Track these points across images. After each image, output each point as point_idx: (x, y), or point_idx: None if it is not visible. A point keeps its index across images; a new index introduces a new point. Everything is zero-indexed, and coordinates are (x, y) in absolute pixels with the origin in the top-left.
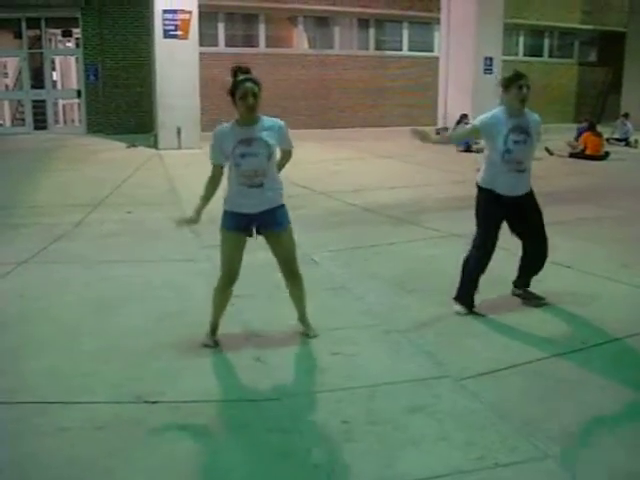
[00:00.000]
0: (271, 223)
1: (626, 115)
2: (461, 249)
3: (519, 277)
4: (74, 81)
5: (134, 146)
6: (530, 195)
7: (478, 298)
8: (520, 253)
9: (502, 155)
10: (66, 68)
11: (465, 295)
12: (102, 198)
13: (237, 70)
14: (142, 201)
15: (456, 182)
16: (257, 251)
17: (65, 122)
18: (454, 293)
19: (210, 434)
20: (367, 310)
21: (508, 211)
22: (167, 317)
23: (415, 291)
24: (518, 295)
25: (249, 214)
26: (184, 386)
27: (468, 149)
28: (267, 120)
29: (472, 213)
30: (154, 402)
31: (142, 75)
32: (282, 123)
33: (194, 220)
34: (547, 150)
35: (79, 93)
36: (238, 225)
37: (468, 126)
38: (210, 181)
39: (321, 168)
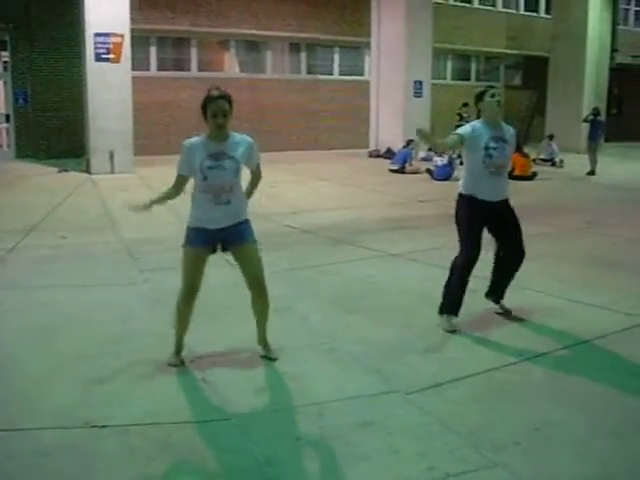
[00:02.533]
0: (237, 237)
1: (551, 136)
2: (398, 268)
3: (492, 289)
4: (2, 105)
5: (66, 171)
6: (507, 202)
7: (418, 315)
8: (492, 266)
9: (483, 160)
10: None
11: (452, 303)
12: (35, 223)
13: (211, 89)
14: (76, 226)
15: (391, 204)
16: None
17: None
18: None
19: (161, 457)
20: (312, 329)
21: (489, 218)
22: (110, 341)
23: (357, 310)
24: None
25: (214, 229)
26: (133, 410)
27: (402, 169)
28: (237, 136)
29: (407, 232)
30: (102, 426)
31: (73, 98)
32: (251, 140)
33: (147, 207)
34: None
35: (7, 117)
36: (202, 241)
37: (453, 136)
38: (172, 188)
39: (257, 191)
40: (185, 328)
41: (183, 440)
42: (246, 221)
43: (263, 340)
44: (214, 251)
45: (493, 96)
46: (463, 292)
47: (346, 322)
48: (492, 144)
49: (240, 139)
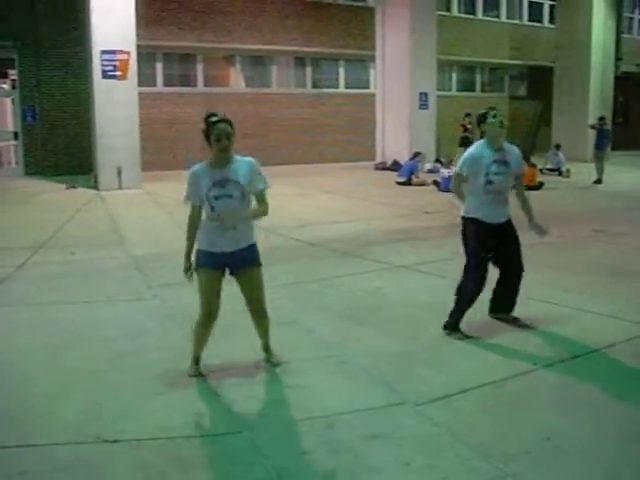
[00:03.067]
0: (244, 261)
1: (557, 146)
2: (406, 280)
3: (495, 302)
4: (10, 123)
5: (74, 187)
6: (510, 222)
7: (426, 326)
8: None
9: (484, 186)
10: (0, 110)
11: (458, 318)
12: (44, 240)
13: (210, 115)
14: (85, 242)
15: (398, 215)
16: None
17: (1, 165)
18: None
19: (172, 471)
20: (319, 342)
21: (495, 238)
22: (119, 357)
23: (365, 322)
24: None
25: (223, 253)
26: (143, 424)
27: (409, 182)
28: (240, 160)
29: (414, 244)
30: (114, 441)
31: (81, 115)
32: (253, 160)
33: (189, 266)
34: None
35: (16, 135)
36: (212, 263)
37: (455, 181)
38: (190, 221)
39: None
40: (202, 346)
41: (194, 454)
42: (254, 245)
43: (266, 347)
44: (223, 274)
45: (495, 117)
46: (467, 309)
47: (354, 334)
48: (493, 169)
49: (242, 162)
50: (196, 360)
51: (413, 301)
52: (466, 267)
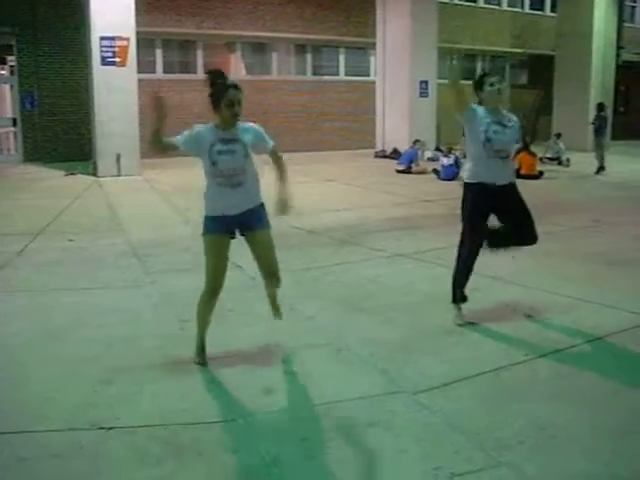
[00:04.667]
0: (254, 222)
1: (558, 135)
2: (405, 268)
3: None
4: (9, 109)
5: (73, 174)
6: (513, 185)
7: (425, 315)
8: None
9: (483, 144)
10: None
11: (459, 290)
12: (43, 227)
13: (214, 74)
14: (84, 229)
15: (397, 204)
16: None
17: (0, 151)
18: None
19: (169, 458)
20: (318, 329)
21: (494, 203)
22: (117, 343)
23: (364, 310)
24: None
25: (231, 215)
26: (139, 411)
27: (408, 170)
28: (243, 124)
29: (414, 232)
30: (110, 428)
31: (80, 102)
32: (255, 125)
33: (163, 107)
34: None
35: (14, 121)
36: (221, 228)
37: (467, 103)
38: (166, 141)
39: (263, 192)
40: (206, 327)
41: (190, 441)
42: (261, 205)
43: (274, 306)
44: (233, 237)
45: (492, 84)
46: (467, 280)
47: (352, 322)
48: (492, 128)
49: (247, 126)
50: (201, 346)
51: (412, 289)
52: (461, 237)
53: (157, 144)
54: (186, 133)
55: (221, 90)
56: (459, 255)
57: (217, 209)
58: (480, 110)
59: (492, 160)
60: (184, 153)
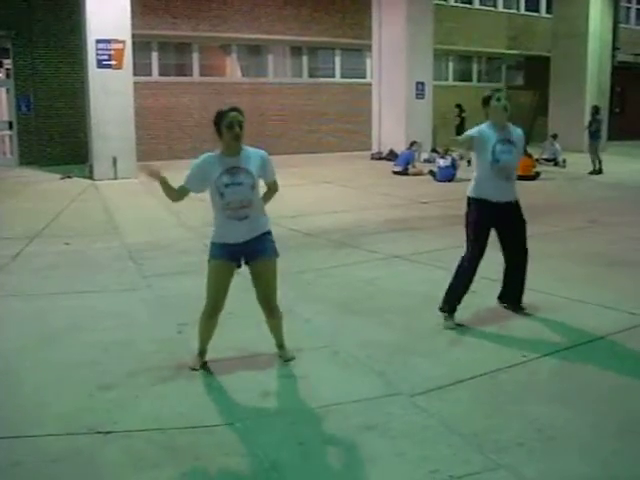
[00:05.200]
0: (259, 251)
1: (554, 136)
2: (401, 270)
3: (504, 289)
4: (4, 112)
5: (69, 177)
6: (517, 204)
7: (422, 317)
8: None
9: (491, 165)
10: None
11: (453, 300)
12: (39, 230)
13: (222, 110)
14: (80, 232)
15: (394, 205)
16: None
17: None
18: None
19: (166, 462)
20: (315, 332)
21: (497, 220)
22: (113, 347)
23: (360, 312)
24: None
25: (237, 244)
26: (136, 415)
27: (405, 171)
28: (250, 151)
29: (410, 234)
30: (107, 432)
31: (76, 105)
32: (265, 153)
33: (158, 173)
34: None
35: (10, 124)
36: (227, 255)
37: (465, 135)
38: (177, 194)
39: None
40: (208, 339)
41: (188, 445)
42: (269, 233)
43: (279, 344)
44: (239, 266)
45: (499, 100)
46: (465, 292)
47: (349, 324)
48: (499, 147)
49: (254, 153)
50: (201, 353)
51: (408, 291)
52: (465, 252)
53: (176, 199)
54: (190, 175)
55: (222, 113)
56: (459, 267)
57: (223, 237)
58: (483, 131)
59: (499, 181)
60: (180, 155)
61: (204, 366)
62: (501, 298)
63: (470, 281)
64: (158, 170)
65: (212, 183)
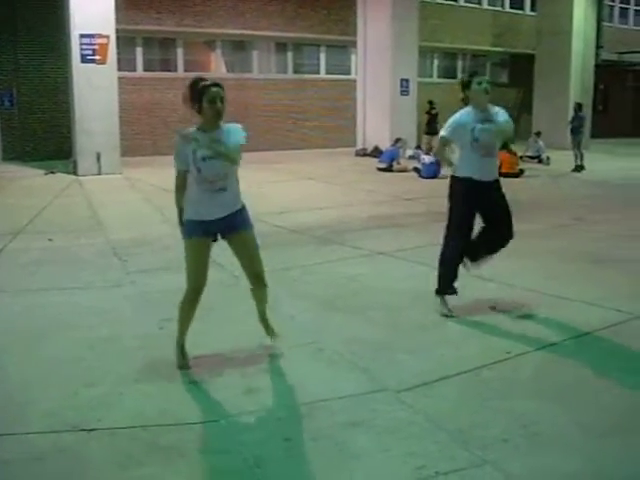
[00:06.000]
0: (236, 225)
1: (538, 133)
2: (386, 266)
3: (472, 248)
4: None
5: (52, 172)
6: (498, 182)
7: (406, 313)
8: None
9: (470, 144)
10: None
11: (448, 284)
12: (22, 226)
13: (198, 79)
14: (64, 228)
15: (378, 202)
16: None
17: None
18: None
19: (150, 459)
20: (299, 329)
21: (482, 198)
22: (98, 344)
23: (345, 309)
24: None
25: (215, 219)
26: (120, 412)
27: (389, 168)
28: (229, 126)
29: (395, 231)
30: (91, 430)
31: (59, 100)
32: (240, 126)
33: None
34: None
35: None
36: (202, 231)
37: (440, 143)
38: (178, 191)
39: (244, 191)
40: (187, 328)
41: (172, 442)
42: (243, 208)
43: (263, 319)
44: (215, 240)
45: (480, 83)
46: (456, 274)
47: (334, 321)
48: (478, 126)
49: (231, 126)
50: (181, 348)
51: (393, 288)
52: (446, 233)
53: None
54: (177, 157)
55: (203, 88)
56: (442, 254)
57: (199, 214)
58: (465, 115)
59: (481, 158)
60: (164, 151)
61: (188, 363)
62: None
63: (458, 265)
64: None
65: (189, 157)
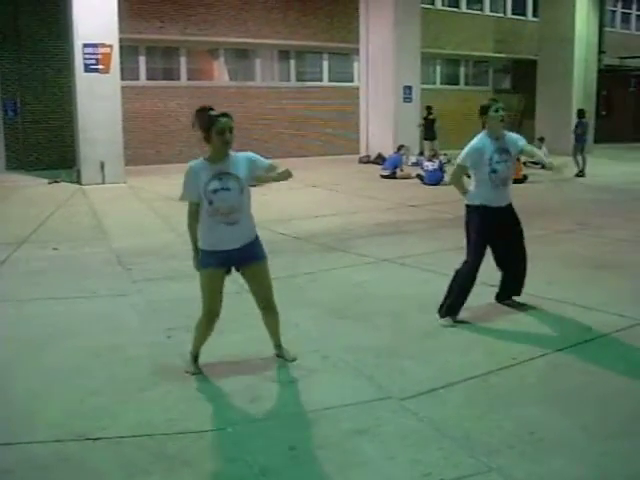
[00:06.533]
0: (250, 257)
1: (541, 139)
2: (390, 273)
3: (501, 292)
4: None
5: (56, 182)
6: (511, 206)
7: (411, 320)
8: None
9: (489, 175)
10: None
11: (456, 305)
12: (26, 236)
13: (206, 109)
14: (68, 237)
15: (382, 209)
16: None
17: None
18: (439, 309)
19: (155, 468)
20: (304, 336)
21: (498, 223)
22: (103, 352)
23: (350, 316)
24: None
25: (228, 250)
26: (126, 421)
27: (393, 175)
28: (238, 155)
29: (399, 238)
30: (96, 439)
31: (63, 109)
32: (251, 154)
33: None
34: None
35: None
36: (216, 262)
37: (456, 170)
38: (191, 219)
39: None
40: (202, 344)
41: (177, 451)
42: (257, 238)
43: (277, 346)
44: (229, 272)
45: (497, 111)
46: (466, 297)
47: (339, 328)
48: (496, 158)
49: (240, 156)
50: (195, 358)
51: (398, 295)
52: (465, 260)
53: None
54: (185, 184)
55: (212, 119)
56: (458, 273)
57: (213, 244)
58: (482, 140)
59: (498, 188)
60: (168, 160)
61: (199, 370)
62: (499, 298)
63: (470, 289)
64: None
65: (201, 189)
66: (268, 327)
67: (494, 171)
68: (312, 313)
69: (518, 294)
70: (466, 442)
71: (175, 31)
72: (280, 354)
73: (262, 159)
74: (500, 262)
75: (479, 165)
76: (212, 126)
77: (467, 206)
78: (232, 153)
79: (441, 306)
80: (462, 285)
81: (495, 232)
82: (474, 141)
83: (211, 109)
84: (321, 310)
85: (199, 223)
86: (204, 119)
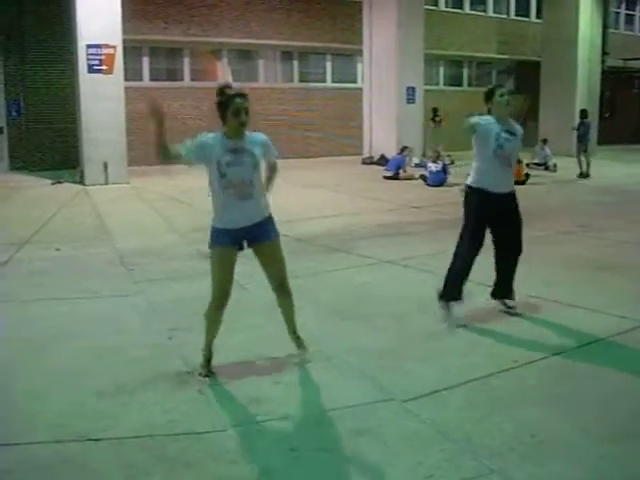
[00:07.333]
0: (263, 235)
1: (545, 141)
2: (393, 275)
3: (497, 286)
4: None
5: (60, 182)
6: (514, 195)
7: (413, 322)
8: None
9: (494, 151)
10: None
11: (454, 289)
12: (29, 236)
13: (224, 87)
14: (71, 238)
15: (385, 210)
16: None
17: None
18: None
19: (156, 469)
20: (307, 337)
21: (497, 210)
22: (105, 353)
23: (352, 317)
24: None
25: (242, 228)
26: (127, 422)
27: (396, 176)
28: (252, 135)
29: (401, 239)
30: (97, 440)
31: (66, 110)
32: (265, 136)
33: (159, 113)
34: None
35: (0, 129)
36: (229, 240)
37: (469, 121)
38: (170, 151)
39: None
40: (214, 338)
41: (178, 452)
42: (271, 217)
43: (293, 333)
44: (241, 248)
45: (502, 95)
46: (465, 279)
47: (341, 329)
48: (504, 135)
49: (257, 137)
50: (208, 357)
51: (400, 296)
52: (459, 242)
53: (164, 154)
54: (189, 142)
55: (228, 99)
56: (456, 254)
57: (226, 221)
58: (487, 121)
59: (500, 168)
60: (171, 161)
61: (211, 373)
62: (494, 295)
63: (469, 270)
64: (161, 109)
65: (213, 162)
66: (283, 311)
67: (500, 146)
68: (315, 314)
69: (509, 293)
70: (467, 444)
71: (179, 32)
72: (296, 343)
73: (274, 150)
74: (496, 249)
75: (486, 141)
76: (227, 107)
77: (466, 186)
78: (248, 132)
79: (442, 291)
80: (462, 268)
81: (492, 219)
82: (482, 117)
83: (227, 87)
84: (323, 311)
85: (213, 201)
86: (221, 97)
